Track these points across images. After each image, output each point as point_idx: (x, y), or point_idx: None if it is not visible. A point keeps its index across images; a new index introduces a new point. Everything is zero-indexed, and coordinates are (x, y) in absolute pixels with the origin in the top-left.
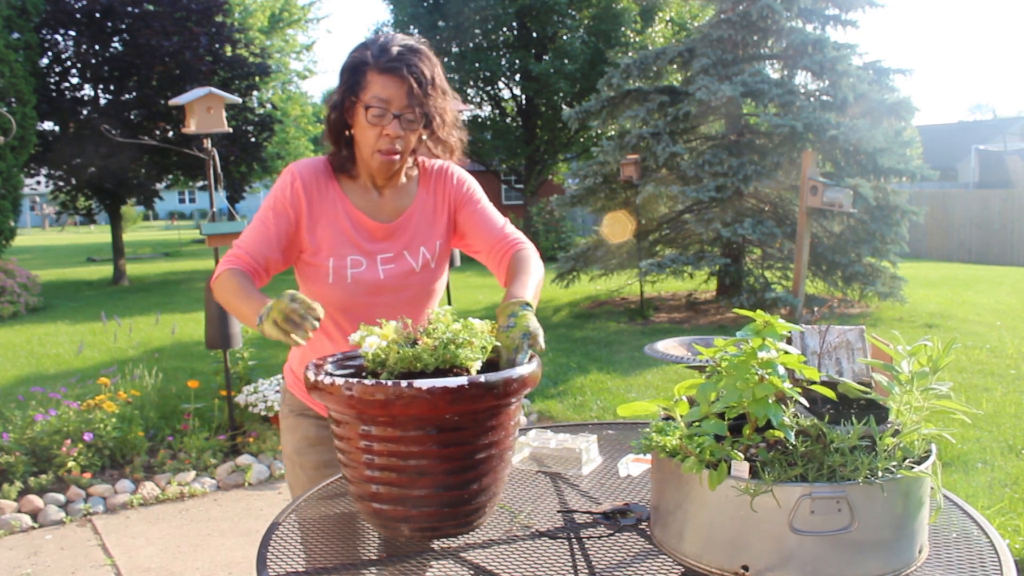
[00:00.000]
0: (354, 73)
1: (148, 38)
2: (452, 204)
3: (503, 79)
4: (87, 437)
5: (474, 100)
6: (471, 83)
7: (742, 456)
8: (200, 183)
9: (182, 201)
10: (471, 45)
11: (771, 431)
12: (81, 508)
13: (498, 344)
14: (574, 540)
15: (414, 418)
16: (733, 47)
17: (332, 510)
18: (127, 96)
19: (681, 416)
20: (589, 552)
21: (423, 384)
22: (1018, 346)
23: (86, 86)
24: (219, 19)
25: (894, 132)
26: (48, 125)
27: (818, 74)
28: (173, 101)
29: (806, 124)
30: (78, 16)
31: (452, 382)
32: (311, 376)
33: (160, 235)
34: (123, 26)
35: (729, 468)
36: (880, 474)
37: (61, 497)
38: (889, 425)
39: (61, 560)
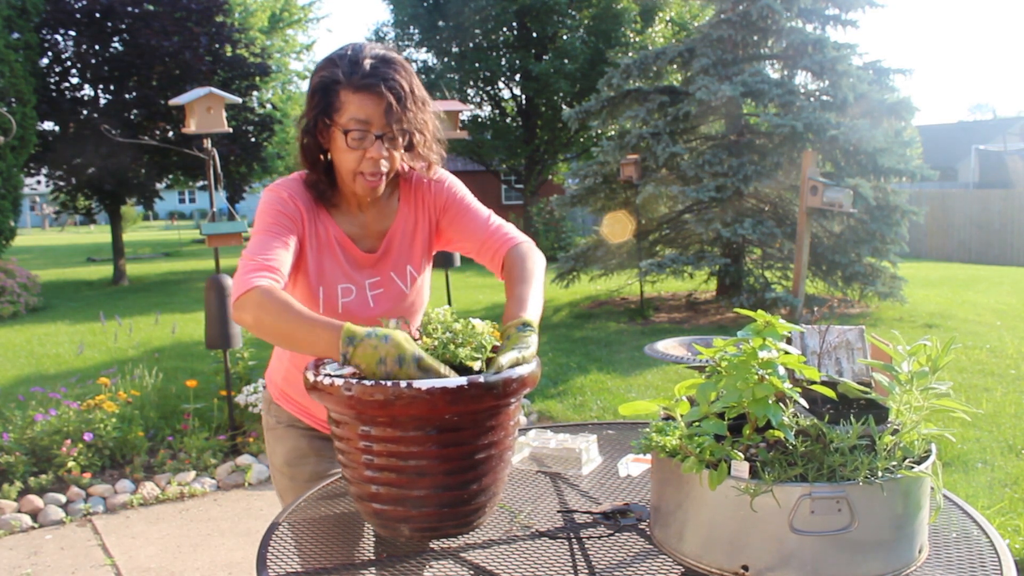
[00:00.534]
0: (326, 94)
1: (148, 38)
2: (435, 211)
3: (503, 79)
4: (87, 437)
5: (474, 100)
6: (471, 83)
7: (742, 456)
8: (200, 183)
9: (182, 201)
10: (471, 45)
11: (771, 431)
12: (81, 508)
13: (498, 344)
14: (574, 540)
15: (414, 418)
16: (733, 47)
17: (332, 510)
18: (127, 96)
19: (681, 416)
20: (589, 552)
21: (423, 384)
22: (1018, 346)
23: (86, 86)
24: (219, 19)
25: (894, 132)
26: (48, 125)
27: (818, 74)
28: (173, 101)
29: (806, 124)
30: (78, 16)
31: (452, 382)
32: (311, 376)
33: (160, 235)
34: (123, 26)
35: (729, 468)
36: (880, 474)
37: (61, 497)
38: (889, 425)
39: (61, 560)
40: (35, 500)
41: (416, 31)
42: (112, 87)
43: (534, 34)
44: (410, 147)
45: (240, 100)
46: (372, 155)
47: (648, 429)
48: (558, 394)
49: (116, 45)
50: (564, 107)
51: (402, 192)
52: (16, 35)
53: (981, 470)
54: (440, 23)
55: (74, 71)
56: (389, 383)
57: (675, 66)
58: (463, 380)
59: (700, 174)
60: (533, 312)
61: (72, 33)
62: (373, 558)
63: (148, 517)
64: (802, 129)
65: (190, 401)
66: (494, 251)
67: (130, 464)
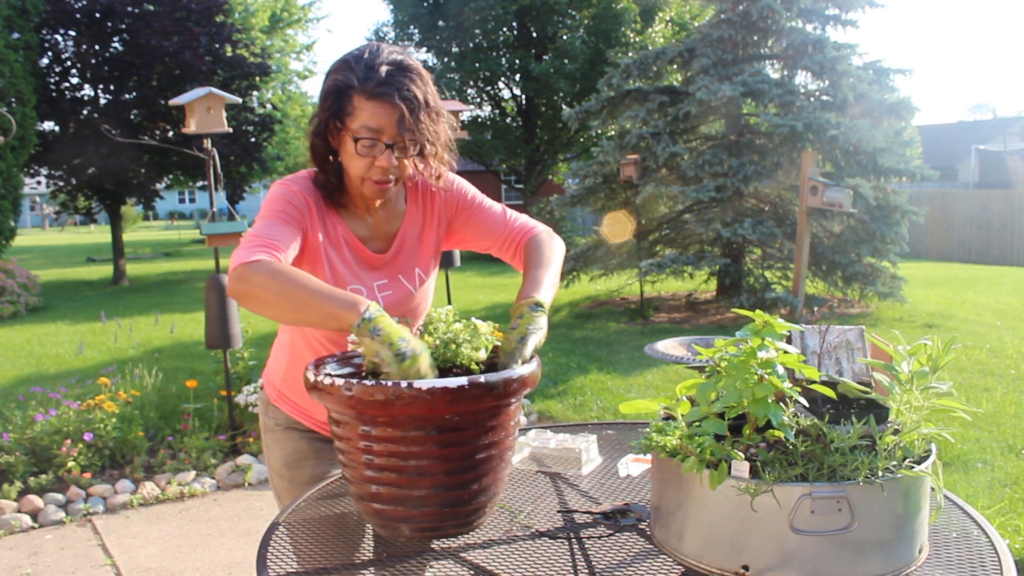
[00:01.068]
0: (339, 97)
1: (148, 38)
2: (446, 213)
3: (503, 79)
4: (87, 437)
5: (474, 100)
6: (471, 83)
7: (742, 456)
8: (200, 183)
9: (182, 201)
10: (471, 45)
11: (771, 431)
12: (81, 508)
13: (498, 344)
14: (574, 540)
15: (414, 418)
16: (733, 47)
17: (332, 510)
18: (127, 96)
19: (681, 416)
20: (589, 552)
21: (423, 384)
22: (1018, 346)
23: (86, 86)
24: (219, 19)
25: (894, 132)
26: (48, 125)
27: (818, 74)
28: (173, 101)
29: (806, 124)
30: (78, 16)
31: (452, 382)
32: (311, 376)
33: (160, 235)
34: (123, 26)
35: (729, 468)
36: (880, 474)
37: (61, 497)
38: (889, 425)
39: (61, 560)
40: (35, 500)
41: (416, 31)
42: (112, 87)
43: (534, 34)
44: (420, 156)
45: (240, 100)
46: (381, 163)
47: (648, 429)
48: (558, 394)
49: (116, 45)
50: (564, 107)
51: (409, 194)
52: (16, 35)
53: (981, 470)
54: (440, 23)
55: (74, 71)
56: (390, 383)
57: (675, 66)
58: (463, 380)
59: (700, 174)
60: (546, 294)
61: (72, 33)
62: (373, 558)
63: (148, 517)
64: (802, 129)
65: (190, 401)
66: (516, 244)
67: (130, 464)
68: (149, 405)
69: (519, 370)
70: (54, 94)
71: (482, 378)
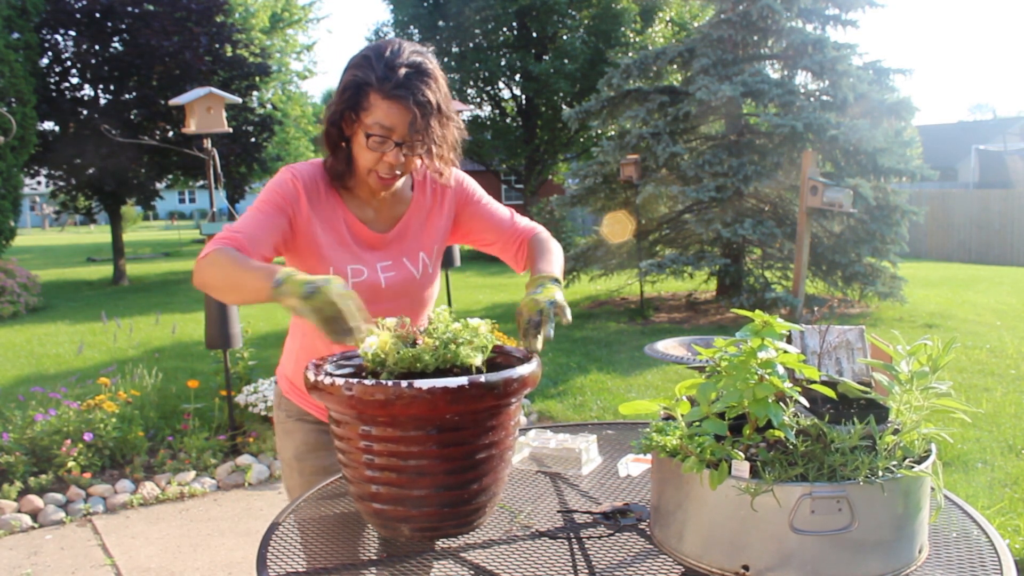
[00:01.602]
0: (357, 92)
1: (148, 38)
2: (453, 205)
3: (503, 79)
4: (87, 437)
5: (474, 100)
6: (471, 83)
7: (742, 456)
8: (200, 183)
9: (182, 201)
10: (471, 45)
11: (771, 431)
12: (81, 508)
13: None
14: (574, 540)
15: (414, 418)
16: (733, 47)
17: (332, 510)
18: (127, 96)
19: (681, 416)
20: (589, 552)
21: (423, 384)
22: (1018, 346)
23: (86, 86)
24: (219, 19)
25: (894, 132)
26: (48, 125)
27: (818, 74)
28: (173, 101)
29: (806, 124)
30: (78, 16)
31: (452, 382)
32: (311, 376)
33: (160, 235)
34: (123, 26)
35: (729, 468)
36: (880, 474)
37: (61, 497)
38: (889, 425)
39: (61, 560)
40: (35, 500)
41: (416, 31)
42: (112, 87)
43: (534, 34)
44: (428, 156)
45: (240, 100)
46: (389, 160)
47: (648, 429)
48: (558, 394)
49: (116, 45)
50: (564, 107)
51: (417, 184)
52: (16, 35)
53: (981, 470)
54: (440, 23)
55: (74, 71)
56: (390, 383)
57: (675, 66)
58: (464, 380)
59: (700, 174)
60: (559, 272)
61: (72, 33)
62: (373, 558)
63: (148, 517)
64: (802, 129)
65: (190, 401)
66: (519, 242)
67: (130, 464)
68: (149, 405)
69: (519, 370)
70: (54, 94)
71: (482, 378)
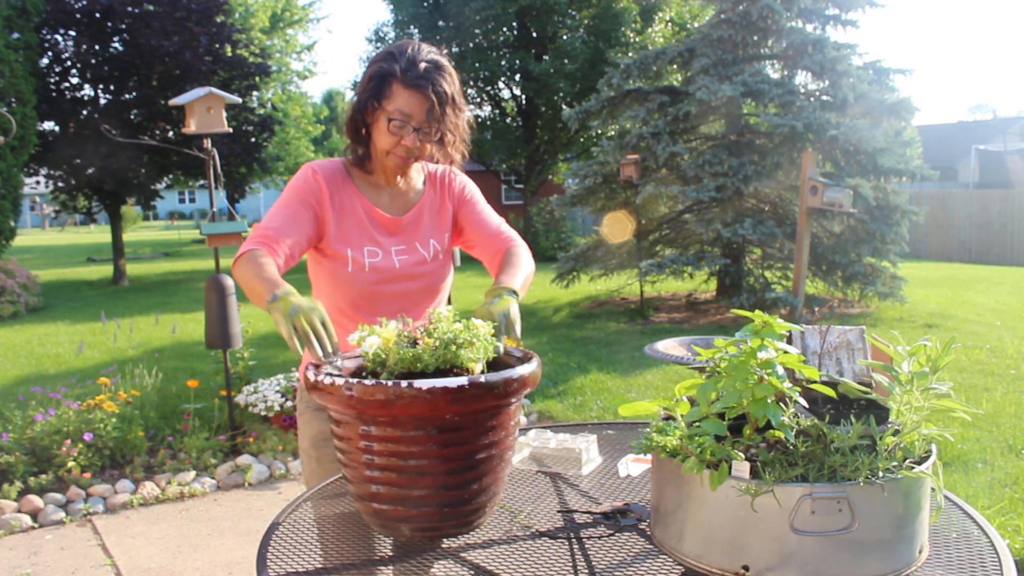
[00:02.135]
0: (380, 81)
1: (148, 38)
2: (455, 203)
3: (503, 79)
4: (87, 437)
5: (474, 100)
6: (471, 83)
7: (742, 456)
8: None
9: (182, 201)
10: (471, 45)
11: (771, 431)
12: (81, 508)
13: (498, 343)
14: (574, 540)
15: (414, 418)
16: (733, 47)
17: (332, 510)
18: (127, 96)
19: (681, 416)
20: (589, 552)
21: (423, 384)
22: (1018, 346)
23: (86, 86)
24: (219, 19)
25: (894, 132)
26: (48, 125)
27: (818, 74)
28: (173, 101)
29: (806, 124)
30: (78, 16)
31: (452, 382)
32: (311, 376)
33: (160, 235)
34: (123, 26)
35: (730, 468)
36: (881, 474)
37: (61, 497)
38: (889, 425)
39: (61, 560)
40: (35, 500)
41: (416, 31)
42: (112, 87)
43: (534, 34)
44: (440, 144)
45: (240, 100)
46: (407, 143)
47: (648, 429)
48: (558, 394)
49: (116, 45)
50: (564, 107)
51: (428, 180)
52: (16, 35)
53: (981, 470)
54: (440, 23)
55: (74, 71)
56: (390, 383)
57: (675, 66)
58: (464, 380)
59: (700, 174)
60: (521, 288)
61: (72, 33)
62: (374, 558)
63: (148, 517)
64: (802, 129)
65: (190, 401)
66: (496, 249)
67: (130, 464)
68: (149, 405)
69: (519, 370)
70: (54, 94)
71: (482, 378)
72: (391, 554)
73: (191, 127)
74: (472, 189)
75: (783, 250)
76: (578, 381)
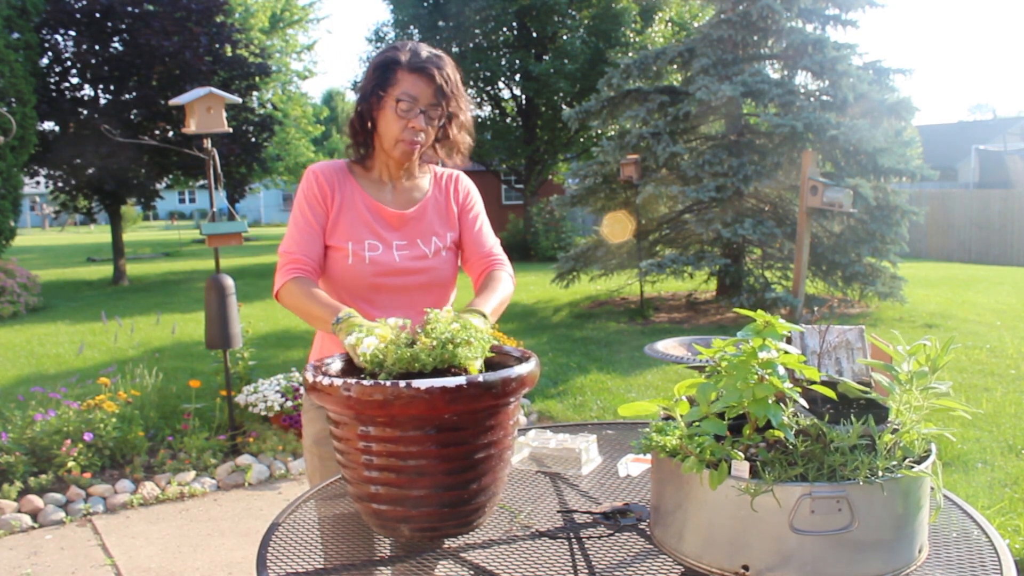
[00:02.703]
0: (385, 70)
1: (148, 38)
2: (458, 206)
3: (503, 79)
4: (87, 437)
5: (474, 100)
6: (471, 83)
7: (742, 456)
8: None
9: (182, 201)
10: (471, 45)
11: (771, 431)
12: (81, 508)
13: (497, 343)
14: (574, 540)
15: (413, 418)
16: (733, 47)
17: (332, 510)
18: (127, 96)
19: (681, 416)
20: (589, 552)
21: (421, 384)
22: (1018, 346)
23: (86, 86)
24: (219, 19)
25: (894, 132)
26: (48, 125)
27: (818, 74)
28: (173, 101)
29: (806, 124)
30: (78, 16)
31: (450, 382)
32: (309, 377)
33: (160, 235)
34: (123, 26)
35: (729, 468)
36: (880, 474)
37: (61, 497)
38: (889, 425)
39: (61, 560)
40: (35, 500)
41: (416, 31)
42: (112, 87)
43: (534, 34)
44: (445, 133)
45: (240, 100)
46: (414, 125)
47: (648, 429)
48: (558, 394)
49: (116, 45)
50: (564, 107)
51: (434, 181)
52: (16, 35)
53: (981, 470)
54: (440, 23)
55: (74, 71)
56: (388, 383)
57: (675, 66)
58: (462, 379)
59: (700, 174)
60: (489, 310)
61: (72, 33)
62: (374, 558)
63: (148, 517)
64: (802, 129)
65: (190, 401)
66: (484, 267)
67: (130, 464)
68: (149, 405)
69: (518, 369)
70: (54, 94)
71: (480, 377)
72: (391, 554)
73: (191, 127)
74: (476, 199)
75: (783, 250)
76: (578, 381)
